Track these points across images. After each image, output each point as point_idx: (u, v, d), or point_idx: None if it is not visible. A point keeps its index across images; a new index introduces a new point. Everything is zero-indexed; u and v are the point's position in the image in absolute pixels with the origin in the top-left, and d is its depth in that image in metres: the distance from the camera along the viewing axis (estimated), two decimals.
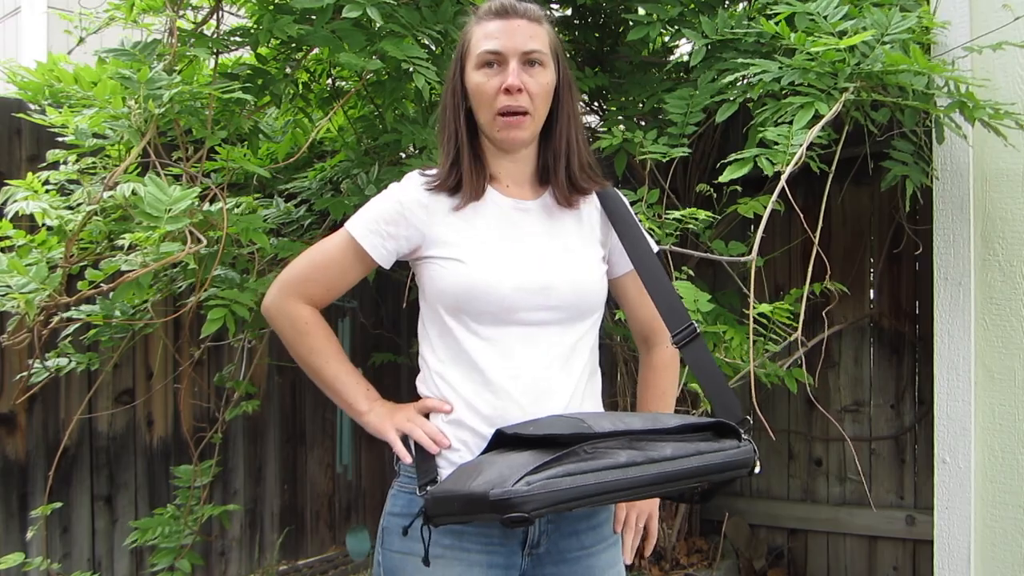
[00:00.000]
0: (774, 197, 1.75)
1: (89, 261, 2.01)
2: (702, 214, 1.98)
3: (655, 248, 1.48)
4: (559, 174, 1.39)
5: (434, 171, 1.39)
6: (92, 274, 1.91)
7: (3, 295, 1.80)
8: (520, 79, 1.31)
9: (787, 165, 1.69)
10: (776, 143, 1.74)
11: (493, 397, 1.30)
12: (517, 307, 1.31)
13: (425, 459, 1.32)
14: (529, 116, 1.33)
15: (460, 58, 1.38)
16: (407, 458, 1.33)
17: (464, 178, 1.35)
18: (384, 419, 1.37)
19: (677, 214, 2.01)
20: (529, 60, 1.33)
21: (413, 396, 1.42)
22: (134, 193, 1.76)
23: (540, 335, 1.33)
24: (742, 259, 1.96)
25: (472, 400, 1.31)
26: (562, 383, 1.33)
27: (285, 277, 1.41)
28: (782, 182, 1.69)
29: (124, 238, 1.85)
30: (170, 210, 1.69)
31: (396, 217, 1.34)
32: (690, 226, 2.04)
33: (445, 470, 1.30)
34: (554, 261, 1.35)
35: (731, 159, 1.79)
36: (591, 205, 1.44)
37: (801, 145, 1.71)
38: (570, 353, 1.35)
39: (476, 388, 1.31)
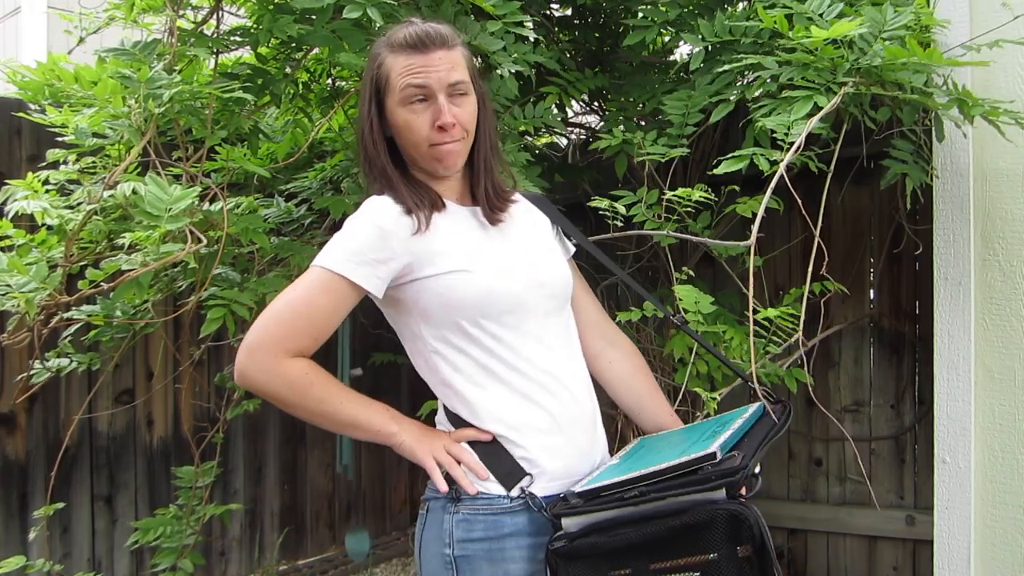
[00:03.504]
0: (771, 188, 1.74)
1: (89, 261, 2.02)
2: (696, 194, 1.95)
3: (572, 250, 1.57)
4: (477, 191, 1.42)
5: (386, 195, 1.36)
6: (93, 274, 1.91)
7: (3, 294, 1.80)
8: (451, 113, 1.32)
9: (785, 153, 1.68)
10: (774, 132, 1.74)
11: (546, 393, 1.34)
12: (529, 303, 1.35)
13: (515, 474, 1.32)
14: (462, 141, 1.35)
15: (377, 90, 1.35)
16: (444, 487, 1.30)
17: (413, 204, 1.33)
18: (419, 442, 1.33)
19: (670, 194, 1.99)
20: (454, 91, 1.33)
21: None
22: (134, 192, 1.76)
23: (546, 326, 1.38)
24: (740, 244, 1.94)
25: (532, 397, 1.34)
26: (576, 367, 1.43)
27: (264, 335, 1.28)
28: (781, 169, 1.68)
29: (124, 238, 1.85)
30: (170, 209, 1.70)
31: (380, 244, 1.30)
32: (689, 224, 2.03)
33: (540, 480, 1.32)
34: (537, 255, 1.42)
35: (728, 157, 1.79)
36: (526, 207, 1.50)
37: (800, 134, 1.70)
38: (567, 338, 1.43)
39: (527, 389, 1.33)
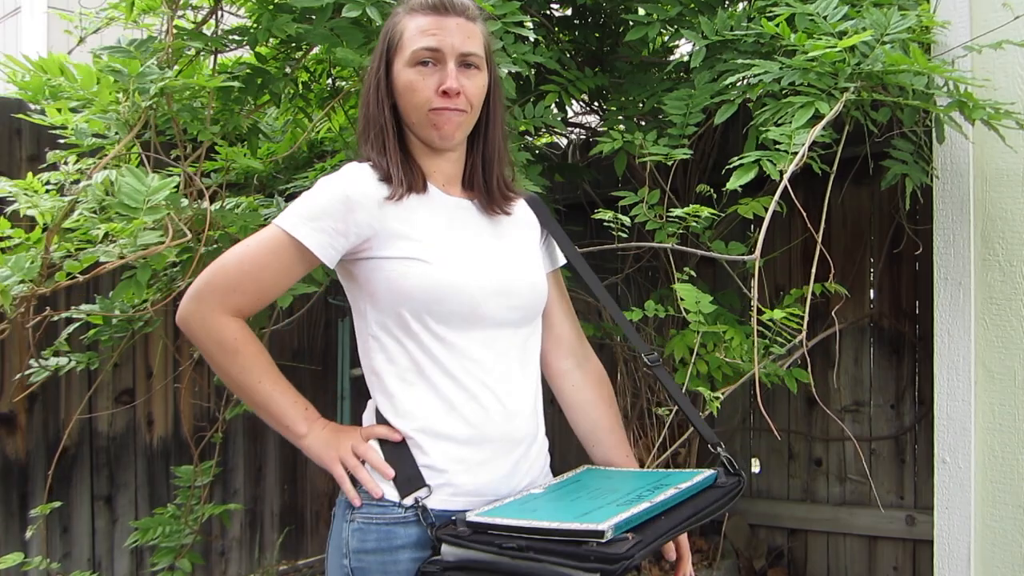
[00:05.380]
0: (776, 198, 1.74)
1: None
2: (704, 211, 1.97)
3: (563, 260, 1.48)
4: (489, 180, 1.36)
5: (368, 164, 1.29)
6: (70, 265, 1.87)
7: None
8: (459, 81, 1.26)
9: (789, 164, 1.68)
10: (778, 143, 1.73)
11: (475, 404, 1.27)
12: (483, 308, 1.27)
13: (413, 481, 1.24)
14: (466, 114, 1.29)
15: (387, 50, 1.30)
16: (356, 500, 1.25)
17: (395, 173, 1.26)
18: (327, 447, 1.27)
19: (680, 211, 2.00)
20: (466, 62, 1.28)
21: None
22: (112, 183, 1.72)
23: (500, 337, 1.30)
24: (743, 258, 1.95)
25: (456, 406, 1.26)
26: (525, 386, 1.33)
27: (206, 287, 1.25)
28: (784, 182, 1.68)
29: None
30: (148, 201, 1.65)
31: (343, 212, 1.23)
32: (691, 225, 2.04)
33: (442, 492, 1.25)
34: (510, 261, 1.33)
35: (734, 163, 1.77)
36: (522, 207, 1.43)
37: (803, 144, 1.70)
38: (523, 354, 1.34)
39: (454, 396, 1.26)
